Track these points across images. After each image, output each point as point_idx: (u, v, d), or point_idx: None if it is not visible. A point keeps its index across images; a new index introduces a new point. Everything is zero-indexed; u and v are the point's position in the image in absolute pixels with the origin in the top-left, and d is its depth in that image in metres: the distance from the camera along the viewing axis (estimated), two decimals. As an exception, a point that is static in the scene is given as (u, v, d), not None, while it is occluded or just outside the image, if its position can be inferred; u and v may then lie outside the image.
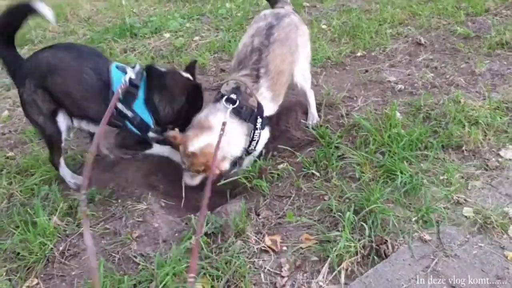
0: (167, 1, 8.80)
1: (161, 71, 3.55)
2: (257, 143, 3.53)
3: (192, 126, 3.43)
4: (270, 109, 3.63)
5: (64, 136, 3.65)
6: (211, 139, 3.26)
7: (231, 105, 3.35)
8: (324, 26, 6.03)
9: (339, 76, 4.92)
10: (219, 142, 3.18)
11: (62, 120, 3.59)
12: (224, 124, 3.25)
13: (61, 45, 3.92)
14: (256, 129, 3.45)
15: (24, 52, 7.26)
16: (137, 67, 3.50)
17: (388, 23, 5.90)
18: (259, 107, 3.47)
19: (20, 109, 5.20)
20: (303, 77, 4.00)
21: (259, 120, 3.45)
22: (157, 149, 3.72)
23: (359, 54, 5.33)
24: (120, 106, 3.40)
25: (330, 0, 7.23)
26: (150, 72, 3.50)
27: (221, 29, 6.82)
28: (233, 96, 3.39)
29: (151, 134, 3.56)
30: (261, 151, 3.77)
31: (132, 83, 3.40)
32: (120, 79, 3.39)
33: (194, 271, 2.34)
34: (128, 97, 3.41)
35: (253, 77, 3.50)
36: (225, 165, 3.43)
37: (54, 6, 8.61)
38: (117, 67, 3.47)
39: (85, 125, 3.68)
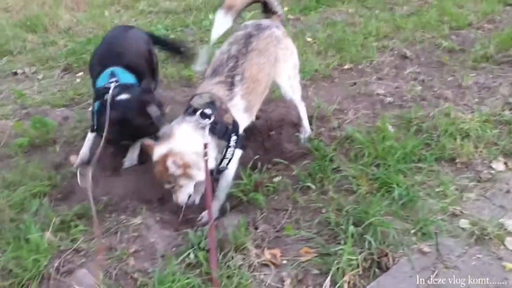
0: (149, 12, 8.77)
1: (119, 93, 3.76)
2: (229, 161, 3.43)
3: (159, 138, 3.37)
4: (243, 120, 3.54)
5: None
6: (170, 146, 3.18)
7: (208, 120, 3.24)
8: (309, 39, 6.07)
9: (327, 89, 4.95)
10: (206, 165, 3.17)
11: None
12: (206, 145, 3.18)
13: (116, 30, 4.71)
14: (229, 146, 3.36)
15: (3, 63, 7.18)
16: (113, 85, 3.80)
17: (373, 36, 5.97)
18: (234, 124, 3.39)
19: (3, 121, 5.21)
20: (291, 89, 3.98)
21: (233, 137, 3.37)
22: (87, 138, 4.17)
23: (346, 67, 5.38)
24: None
25: (314, 13, 7.30)
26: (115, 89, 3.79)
27: (205, 41, 6.81)
28: (208, 111, 3.28)
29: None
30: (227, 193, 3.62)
31: (99, 89, 3.88)
32: (102, 82, 3.90)
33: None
34: (96, 96, 3.93)
35: (227, 84, 3.43)
36: (198, 175, 3.25)
37: (31, 17, 8.61)
38: (112, 72, 3.91)
39: None
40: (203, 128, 3.22)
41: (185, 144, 3.20)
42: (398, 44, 5.73)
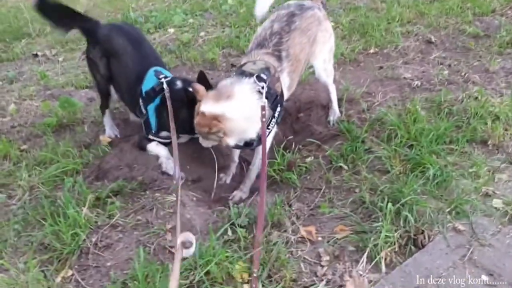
0: (166, -4, 8.78)
1: (174, 86, 3.71)
2: (269, 133, 3.38)
3: (216, 88, 3.27)
4: (284, 97, 3.53)
5: (113, 98, 4.32)
6: (225, 108, 3.11)
7: (263, 83, 3.18)
8: (332, 24, 6.07)
9: (354, 73, 5.00)
10: (264, 126, 3.14)
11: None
12: (263, 108, 3.13)
13: (130, 30, 4.20)
14: (274, 117, 3.34)
15: (22, 45, 7.22)
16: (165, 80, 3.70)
17: (397, 21, 5.99)
18: (282, 95, 3.39)
19: (28, 101, 5.25)
20: (325, 72, 4.00)
21: (279, 108, 3.36)
22: (153, 148, 3.89)
23: (371, 51, 5.43)
24: (140, 101, 3.76)
25: (335, -2, 7.32)
26: (169, 84, 3.68)
27: (226, 25, 6.84)
28: (264, 76, 3.23)
29: (151, 136, 3.88)
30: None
31: (154, 89, 3.70)
32: (151, 83, 3.76)
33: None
34: (148, 98, 3.74)
35: (275, 57, 3.41)
36: (230, 141, 3.24)
37: (48, 0, 8.60)
38: (155, 71, 3.78)
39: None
40: (260, 92, 3.17)
41: (241, 111, 3.15)
42: (423, 30, 5.76)
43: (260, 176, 3.13)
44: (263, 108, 3.13)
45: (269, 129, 3.35)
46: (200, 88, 3.27)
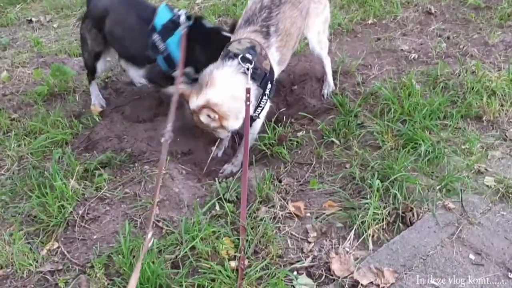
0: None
1: (206, 27, 3.73)
2: (262, 110, 3.39)
3: (198, 81, 3.29)
4: (276, 72, 3.46)
5: (98, 74, 4.34)
6: (210, 96, 3.13)
7: (249, 64, 3.14)
8: (331, -7, 5.99)
9: (351, 44, 4.91)
10: (247, 110, 3.10)
11: (100, 65, 4.18)
12: (248, 90, 3.10)
13: None
14: (265, 95, 3.30)
15: (17, 10, 7.12)
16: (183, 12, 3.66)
17: (398, -10, 5.87)
18: (271, 72, 3.32)
19: (20, 69, 5.20)
20: (319, 45, 3.90)
21: (269, 86, 3.30)
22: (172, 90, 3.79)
23: (369, 21, 5.32)
24: (155, 37, 3.63)
25: (335, -34, 7.16)
26: (197, 22, 3.66)
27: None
28: (249, 56, 3.19)
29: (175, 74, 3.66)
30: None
31: (173, 21, 3.59)
32: (165, 16, 3.64)
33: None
34: (165, 31, 3.60)
35: (263, 34, 3.34)
36: (232, 123, 3.27)
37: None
38: (166, 5, 3.73)
39: (124, 64, 4.22)
40: (245, 73, 3.14)
41: (225, 92, 3.15)
42: (423, 0, 5.63)
43: (243, 160, 3.12)
44: (248, 90, 3.10)
45: (261, 106, 3.34)
46: (183, 91, 3.30)
